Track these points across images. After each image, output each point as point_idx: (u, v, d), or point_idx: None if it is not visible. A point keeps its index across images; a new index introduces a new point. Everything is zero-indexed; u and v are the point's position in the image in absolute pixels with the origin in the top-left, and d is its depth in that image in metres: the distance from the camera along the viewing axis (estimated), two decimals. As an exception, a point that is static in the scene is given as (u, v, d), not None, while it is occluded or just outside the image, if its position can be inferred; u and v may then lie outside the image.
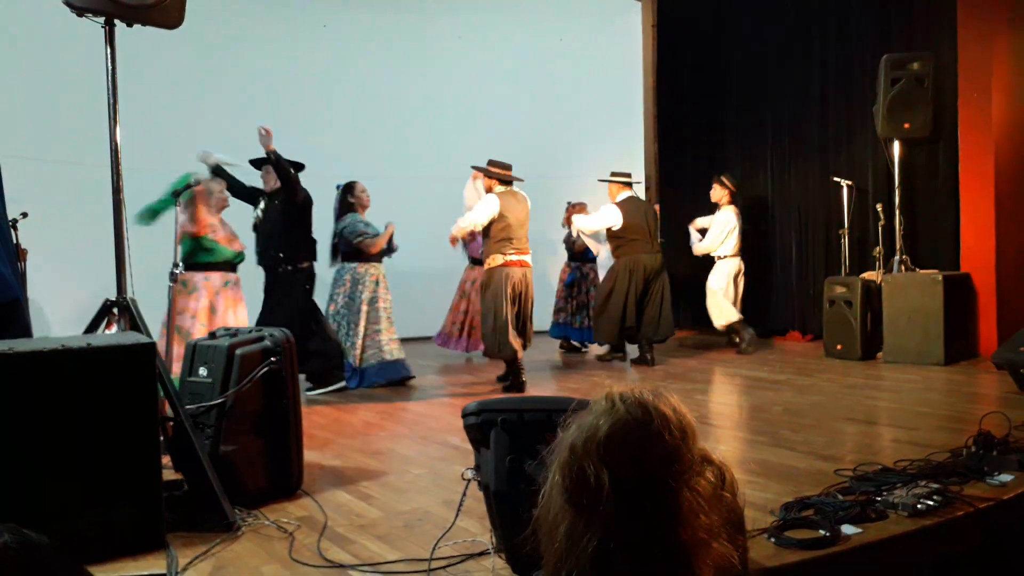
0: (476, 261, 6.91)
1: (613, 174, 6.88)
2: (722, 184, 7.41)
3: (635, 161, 9.09)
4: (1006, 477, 2.88)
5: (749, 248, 8.22)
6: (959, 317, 6.00)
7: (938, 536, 2.52)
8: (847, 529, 2.45)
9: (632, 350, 6.82)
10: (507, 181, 5.98)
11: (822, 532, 2.41)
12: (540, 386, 5.81)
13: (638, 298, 6.51)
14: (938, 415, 4.30)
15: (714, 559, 0.96)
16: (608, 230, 6.68)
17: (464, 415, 2.31)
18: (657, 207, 8.59)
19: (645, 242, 6.60)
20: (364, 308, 5.75)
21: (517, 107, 8.79)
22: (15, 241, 5.20)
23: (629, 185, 6.80)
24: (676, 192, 8.84)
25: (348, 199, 5.95)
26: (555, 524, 0.98)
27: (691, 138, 8.84)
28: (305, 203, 5.56)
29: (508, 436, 2.18)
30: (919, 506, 2.56)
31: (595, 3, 9.09)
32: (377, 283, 5.85)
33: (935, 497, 2.62)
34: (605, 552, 0.94)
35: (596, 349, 7.24)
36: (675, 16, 8.92)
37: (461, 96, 8.72)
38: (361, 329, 5.71)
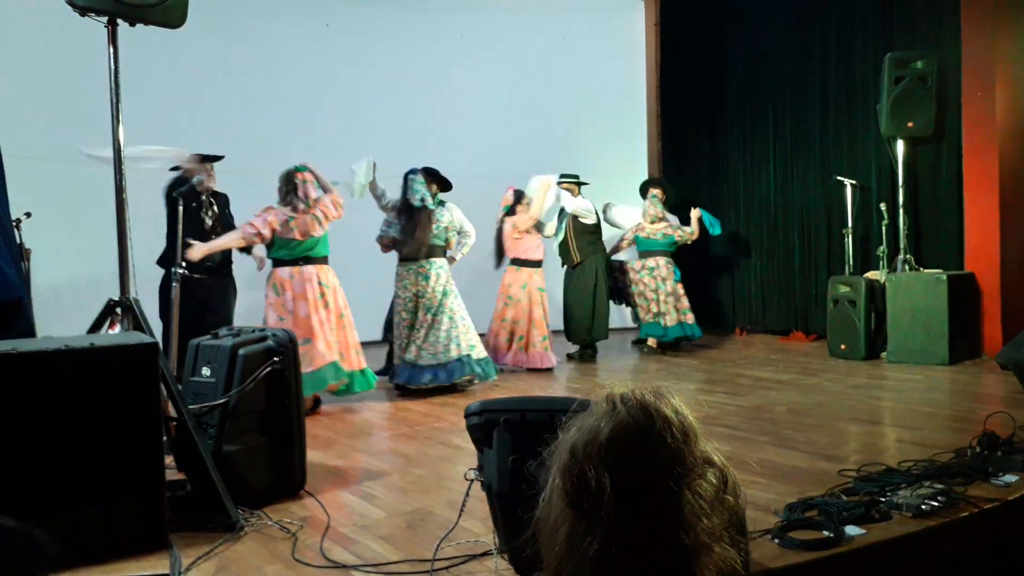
0: (520, 263, 6.55)
1: (563, 176, 6.94)
2: (664, 190, 7.46)
3: (638, 160, 9.09)
4: (1011, 478, 2.87)
5: (753, 247, 8.24)
6: (963, 317, 5.97)
7: (942, 537, 2.51)
8: (851, 530, 2.44)
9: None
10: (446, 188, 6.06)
11: (826, 533, 2.40)
12: (542, 386, 5.80)
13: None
14: (942, 415, 4.29)
15: (716, 562, 0.95)
16: (580, 225, 6.87)
17: (467, 415, 2.31)
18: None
19: (602, 240, 7.05)
20: None
21: (520, 106, 8.79)
22: (19, 241, 5.21)
23: (579, 188, 6.99)
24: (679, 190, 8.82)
25: (435, 189, 5.71)
26: (556, 527, 0.98)
27: (694, 137, 8.83)
28: None
29: (511, 436, 2.17)
30: (923, 507, 2.56)
31: (598, 2, 9.08)
32: None
33: (939, 498, 2.61)
34: (606, 555, 0.93)
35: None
36: (678, 15, 8.91)
37: (464, 95, 8.72)
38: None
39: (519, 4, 8.89)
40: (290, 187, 5.02)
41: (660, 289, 7.06)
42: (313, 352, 4.76)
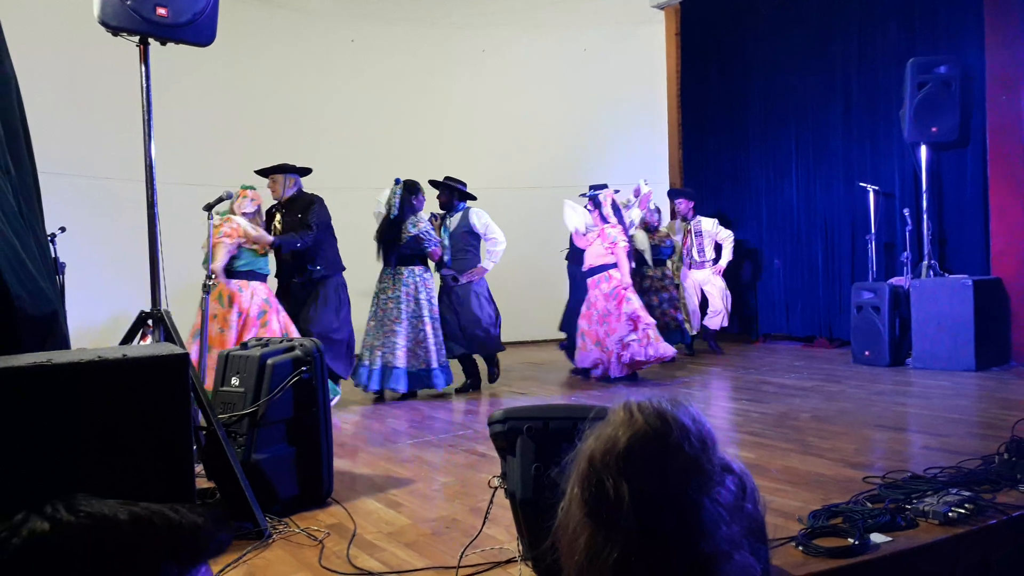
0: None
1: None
2: None
3: (660, 169, 9.09)
4: (1039, 485, 2.84)
5: (776, 254, 8.20)
6: (990, 322, 5.91)
7: (970, 545, 2.50)
8: (876, 538, 2.43)
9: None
10: None
11: (851, 541, 2.39)
12: (561, 394, 5.82)
13: None
14: (969, 421, 4.25)
15: (735, 570, 0.96)
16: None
17: (490, 423, 2.33)
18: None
19: None
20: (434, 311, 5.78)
21: (541, 118, 8.84)
22: (53, 255, 5.33)
23: None
24: (701, 199, 8.80)
25: (413, 200, 5.76)
26: (575, 536, 0.99)
27: (715, 145, 8.82)
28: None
29: (534, 444, 2.20)
30: (950, 514, 2.54)
31: (618, 13, 9.11)
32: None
33: (966, 505, 2.59)
34: (626, 564, 0.94)
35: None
36: (698, 24, 8.92)
37: (486, 108, 8.79)
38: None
39: (540, 18, 8.95)
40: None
41: None
42: None
